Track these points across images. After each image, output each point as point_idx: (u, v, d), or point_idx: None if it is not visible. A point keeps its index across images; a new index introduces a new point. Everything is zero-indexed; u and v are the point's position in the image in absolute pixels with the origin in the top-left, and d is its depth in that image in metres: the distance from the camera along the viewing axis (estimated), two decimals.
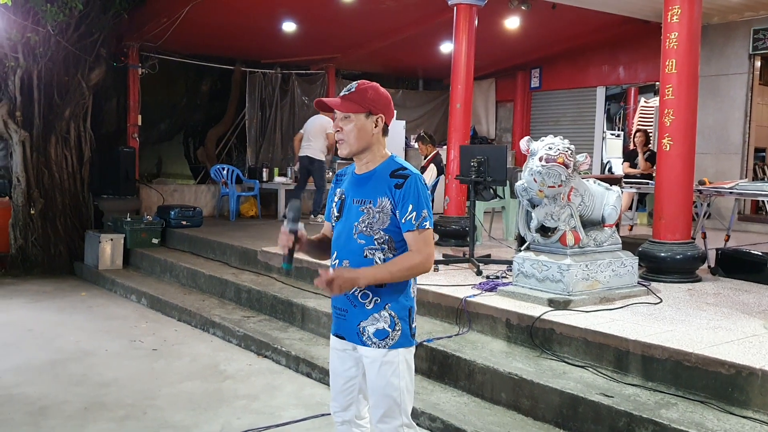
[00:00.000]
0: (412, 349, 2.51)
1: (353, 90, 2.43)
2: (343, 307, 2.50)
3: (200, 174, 12.28)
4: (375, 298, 2.44)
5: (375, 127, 2.44)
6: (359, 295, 2.45)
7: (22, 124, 8.71)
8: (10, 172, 8.95)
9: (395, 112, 2.61)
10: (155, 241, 8.78)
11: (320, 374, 4.69)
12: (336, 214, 2.53)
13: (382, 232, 2.41)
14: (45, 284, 8.09)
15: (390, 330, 2.43)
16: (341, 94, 2.46)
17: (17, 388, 4.55)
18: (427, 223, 2.40)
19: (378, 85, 2.48)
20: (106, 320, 6.50)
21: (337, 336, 2.57)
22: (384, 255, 2.43)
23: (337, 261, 2.50)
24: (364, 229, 2.42)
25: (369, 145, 2.45)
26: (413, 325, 2.50)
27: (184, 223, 9.05)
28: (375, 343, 2.43)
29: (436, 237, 6.80)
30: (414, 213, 2.37)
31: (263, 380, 4.78)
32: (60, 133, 9.11)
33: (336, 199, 2.56)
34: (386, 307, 2.44)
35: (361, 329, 2.45)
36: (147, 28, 9.36)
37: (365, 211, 2.42)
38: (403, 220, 2.38)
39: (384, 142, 2.50)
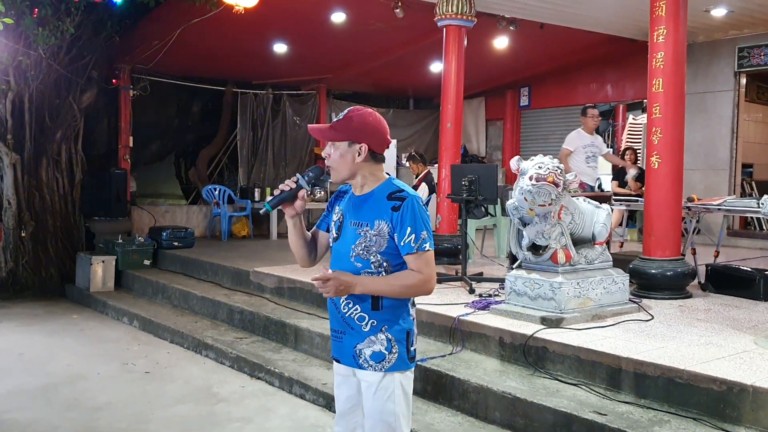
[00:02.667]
0: (410, 374, 2.46)
1: (341, 117, 2.41)
2: (339, 329, 2.46)
3: (192, 194, 12.28)
4: (372, 321, 2.39)
5: (358, 155, 2.39)
6: (355, 317, 2.40)
7: (13, 147, 8.70)
8: (1, 195, 8.92)
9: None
10: (147, 262, 8.76)
11: (314, 395, 4.67)
12: (334, 234, 2.50)
13: (378, 255, 2.37)
14: (36, 307, 8.04)
15: (386, 353, 2.38)
16: (333, 120, 2.45)
17: (8, 414, 4.51)
18: (427, 245, 2.36)
19: (369, 112, 2.43)
20: (98, 343, 6.46)
21: (335, 359, 2.54)
22: None
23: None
24: (361, 252, 2.38)
25: (354, 173, 2.41)
26: (412, 348, 2.45)
27: (175, 244, 9.03)
28: (371, 366, 2.39)
29: None
30: (413, 235, 2.33)
31: (257, 402, 4.76)
32: (51, 155, 9.12)
33: (335, 218, 2.52)
34: (383, 329, 2.39)
35: (357, 352, 2.41)
36: (138, 51, 9.42)
37: (362, 234, 2.39)
38: (402, 243, 2.34)
39: (378, 167, 2.45)
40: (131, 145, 10.45)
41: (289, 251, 2.62)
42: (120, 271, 8.53)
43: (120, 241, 8.74)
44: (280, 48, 9.73)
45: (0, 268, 8.75)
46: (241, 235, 10.68)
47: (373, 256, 2.38)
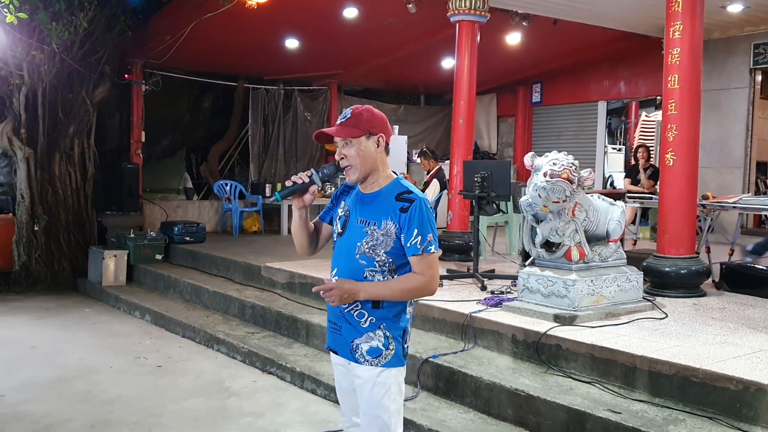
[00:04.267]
0: (403, 370, 2.51)
1: (349, 116, 2.44)
2: (337, 322, 2.50)
3: (203, 190, 12.31)
4: (371, 318, 2.43)
5: (377, 146, 2.45)
6: (355, 314, 2.44)
7: (26, 141, 8.75)
8: (14, 188, 8.97)
9: (396, 128, 2.61)
10: (159, 257, 8.78)
11: (325, 390, 4.67)
12: (339, 230, 2.53)
13: (384, 255, 2.41)
14: (49, 301, 8.09)
15: (383, 349, 2.43)
16: (338, 122, 2.47)
17: (22, 406, 4.54)
18: (432, 247, 2.40)
19: (371, 106, 2.49)
20: (110, 337, 6.49)
21: (331, 350, 2.58)
22: (383, 277, 2.43)
23: (336, 278, 2.49)
24: (367, 250, 2.42)
25: (375, 166, 2.45)
26: (406, 346, 2.50)
27: (187, 238, 9.06)
28: (368, 361, 2.43)
29: (440, 252, 6.79)
30: (419, 237, 2.37)
31: (268, 397, 4.76)
32: (64, 149, 9.15)
33: (340, 213, 2.55)
34: (381, 326, 2.43)
35: (354, 346, 2.45)
36: (150, 46, 9.43)
37: (369, 232, 2.42)
38: (408, 244, 2.38)
39: (387, 162, 2.51)
40: (143, 140, 10.47)
41: None
42: (132, 265, 8.57)
43: (132, 235, 8.77)
44: (291, 43, 9.72)
45: (13, 262, 8.80)
46: (252, 231, 10.69)
47: (379, 256, 2.41)
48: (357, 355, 2.44)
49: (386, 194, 2.44)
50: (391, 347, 2.43)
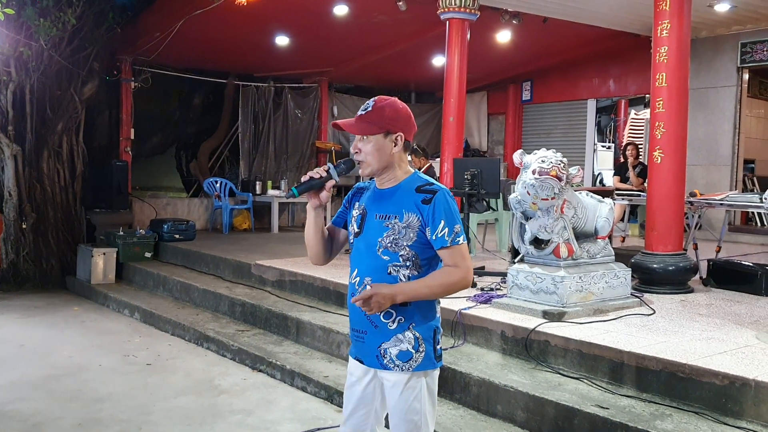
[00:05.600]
0: (436, 373, 2.39)
1: (370, 109, 2.31)
2: (362, 328, 2.37)
3: (193, 187, 12.27)
4: (399, 318, 2.31)
5: (395, 146, 2.33)
6: (382, 314, 2.31)
7: (14, 139, 8.69)
8: (2, 186, 8.91)
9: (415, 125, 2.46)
10: (148, 254, 8.75)
11: (315, 388, 4.68)
12: (356, 229, 2.40)
13: (407, 249, 2.30)
14: (37, 299, 8.04)
15: (414, 351, 2.31)
16: (358, 113, 2.34)
17: (10, 405, 4.51)
18: (461, 238, 2.29)
19: (396, 100, 2.36)
20: (100, 335, 6.47)
21: (356, 359, 2.44)
22: (409, 272, 2.31)
23: (358, 278, 2.38)
24: (389, 244, 2.30)
25: (390, 164, 2.35)
26: (438, 347, 2.37)
27: (177, 236, 9.02)
28: (398, 366, 2.31)
29: None
30: (446, 229, 2.26)
31: (258, 394, 4.76)
32: (52, 147, 9.11)
33: (355, 213, 2.43)
34: (410, 327, 2.31)
35: (381, 351, 2.33)
36: (140, 43, 9.40)
37: (390, 226, 2.31)
38: (434, 237, 2.27)
39: (406, 158, 2.40)
40: (132, 137, 10.43)
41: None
42: (121, 263, 8.53)
43: (121, 233, 8.73)
44: (282, 40, 9.70)
45: (1, 260, 8.75)
46: (242, 228, 10.68)
47: (403, 249, 2.30)
48: (386, 361, 2.33)
49: (405, 187, 2.34)
50: (422, 349, 2.31)
